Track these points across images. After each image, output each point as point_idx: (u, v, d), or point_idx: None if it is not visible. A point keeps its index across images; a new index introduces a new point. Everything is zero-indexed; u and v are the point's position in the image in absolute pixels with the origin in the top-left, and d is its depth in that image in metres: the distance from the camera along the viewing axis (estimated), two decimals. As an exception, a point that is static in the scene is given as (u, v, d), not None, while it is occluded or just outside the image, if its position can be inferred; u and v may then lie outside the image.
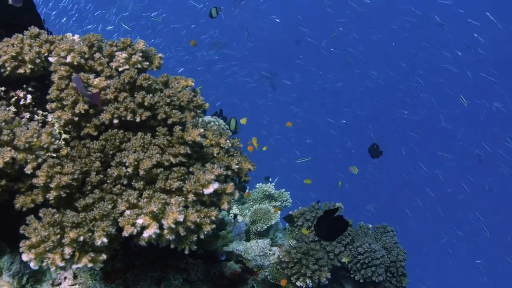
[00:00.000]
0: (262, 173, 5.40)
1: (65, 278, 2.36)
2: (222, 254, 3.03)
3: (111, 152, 2.15)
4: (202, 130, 2.22)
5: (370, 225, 4.28)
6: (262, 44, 21.59)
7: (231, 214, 4.27)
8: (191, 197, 2.00)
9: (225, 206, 2.11)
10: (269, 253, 3.84)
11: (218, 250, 3.02)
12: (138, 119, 2.18)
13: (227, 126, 4.23)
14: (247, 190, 4.39)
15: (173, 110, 2.26)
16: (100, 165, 2.14)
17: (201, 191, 2.01)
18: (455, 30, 18.85)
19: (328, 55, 19.75)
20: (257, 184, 4.46)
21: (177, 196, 1.98)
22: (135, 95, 2.19)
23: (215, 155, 2.38)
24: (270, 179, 4.96)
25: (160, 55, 2.55)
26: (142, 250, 2.46)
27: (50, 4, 16.23)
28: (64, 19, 17.06)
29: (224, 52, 19.43)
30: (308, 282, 3.49)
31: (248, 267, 3.66)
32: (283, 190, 4.49)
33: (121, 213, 1.98)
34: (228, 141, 2.46)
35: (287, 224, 4.13)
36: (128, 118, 2.16)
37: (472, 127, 19.40)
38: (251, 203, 4.40)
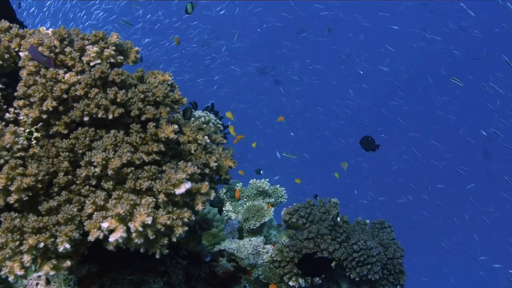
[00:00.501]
0: (264, 169, 5.30)
1: (37, 284, 2.25)
2: (207, 255, 2.91)
3: (80, 152, 2.04)
4: (176, 126, 2.10)
5: (368, 221, 4.15)
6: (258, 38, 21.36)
7: (224, 212, 4.16)
8: (161, 197, 1.88)
9: (199, 207, 1.99)
10: (263, 252, 3.72)
11: (203, 251, 2.91)
12: (110, 116, 2.06)
13: (218, 121, 4.11)
14: (237, 187, 4.27)
15: (148, 106, 2.13)
16: (69, 165, 2.02)
17: (172, 191, 1.89)
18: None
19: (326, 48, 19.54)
20: (251, 180, 4.34)
21: (147, 197, 1.87)
22: (108, 91, 2.07)
23: (192, 152, 2.26)
24: (262, 172, 4.84)
25: (136, 48, 2.42)
26: (119, 253, 2.35)
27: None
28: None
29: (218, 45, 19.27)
30: (301, 281, 3.38)
31: (240, 266, 3.54)
32: (278, 186, 4.36)
33: (89, 216, 1.87)
34: (206, 137, 2.34)
35: (282, 221, 4.01)
36: (100, 115, 2.04)
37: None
38: (245, 199, 4.27)
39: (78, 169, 1.99)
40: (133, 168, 1.96)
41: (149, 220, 1.75)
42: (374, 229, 4.04)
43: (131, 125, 2.09)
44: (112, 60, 2.23)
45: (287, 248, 3.47)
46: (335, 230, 3.71)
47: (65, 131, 2.09)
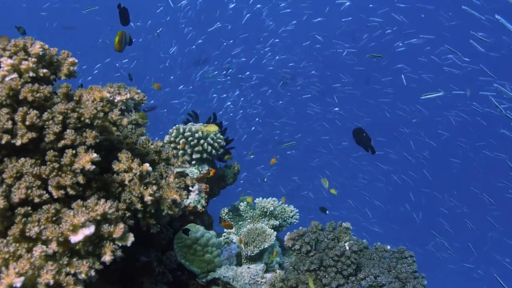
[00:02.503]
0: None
1: None
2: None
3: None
4: (95, 155, 1.71)
5: (388, 247, 3.60)
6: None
7: (225, 234, 3.75)
8: (53, 247, 1.50)
9: (106, 257, 1.59)
10: (261, 281, 3.28)
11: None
12: (18, 142, 1.71)
13: (219, 135, 3.71)
14: (240, 206, 3.83)
15: (68, 130, 1.77)
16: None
17: (68, 238, 1.51)
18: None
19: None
20: (256, 199, 3.90)
21: (21, 249, 1.49)
22: (17, 112, 1.73)
23: (126, 183, 1.87)
24: (266, 179, 4.38)
25: (71, 60, 2.06)
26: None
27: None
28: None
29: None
30: (294, 322, 2.91)
31: (235, 297, 3.14)
32: (286, 205, 3.90)
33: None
34: (147, 164, 1.95)
35: (286, 244, 3.54)
36: (3, 141, 1.70)
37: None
38: (249, 221, 3.85)
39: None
40: (29, 208, 1.59)
41: (18, 283, 1.37)
42: (393, 258, 3.49)
43: (47, 153, 1.74)
44: (31, 73, 1.87)
45: (281, 282, 3.01)
46: (342, 261, 3.20)
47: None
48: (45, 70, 1.92)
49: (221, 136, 3.77)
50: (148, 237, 2.13)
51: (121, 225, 1.62)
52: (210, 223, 3.81)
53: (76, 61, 2.06)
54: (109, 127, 1.94)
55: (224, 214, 3.87)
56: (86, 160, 1.68)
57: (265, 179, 4.68)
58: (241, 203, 3.88)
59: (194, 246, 3.23)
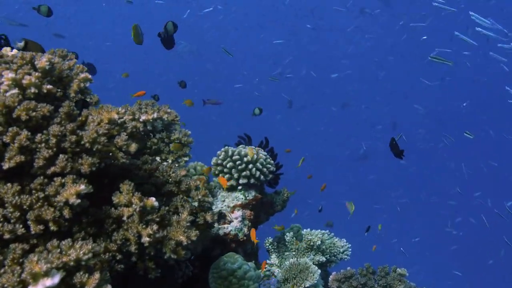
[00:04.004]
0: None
1: None
2: None
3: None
4: (83, 187, 1.46)
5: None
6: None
7: (266, 266, 3.41)
8: (8, 298, 1.25)
9: (76, 312, 1.31)
10: (299, 324, 2.92)
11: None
12: (5, 166, 1.50)
13: (269, 160, 3.39)
14: (286, 236, 3.45)
15: (61, 156, 1.53)
16: None
17: (28, 289, 1.26)
18: None
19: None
20: (304, 230, 3.52)
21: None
22: (6, 133, 1.52)
23: (124, 219, 1.60)
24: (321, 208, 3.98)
25: (84, 76, 1.84)
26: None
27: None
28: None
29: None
30: None
31: None
32: (337, 238, 3.48)
33: None
34: (153, 198, 1.67)
35: (330, 285, 3.15)
36: (-11, 164, 1.49)
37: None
38: (294, 253, 3.48)
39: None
40: (-3, 245, 1.36)
41: None
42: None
43: (34, 181, 1.51)
44: (33, 90, 1.66)
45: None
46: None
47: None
48: (49, 86, 1.70)
49: (271, 162, 3.45)
50: (162, 273, 1.85)
51: (97, 275, 1.34)
52: (254, 252, 3.49)
53: (90, 77, 1.84)
54: (115, 152, 1.69)
55: (268, 244, 3.54)
56: (71, 192, 1.43)
57: (320, 208, 4.31)
58: (287, 233, 3.53)
59: (230, 278, 2.92)
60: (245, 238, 3.20)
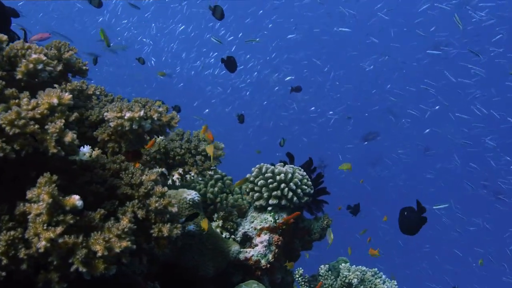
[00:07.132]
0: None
1: None
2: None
3: None
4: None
5: None
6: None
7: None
8: None
9: None
10: None
11: None
12: None
13: (307, 182, 2.93)
14: (322, 270, 2.93)
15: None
16: None
17: None
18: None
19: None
20: (342, 265, 2.96)
21: None
22: None
23: (29, 217, 1.28)
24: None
25: (36, 56, 1.57)
26: None
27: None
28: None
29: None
30: None
31: None
32: (379, 278, 2.87)
33: None
34: (77, 196, 1.33)
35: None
36: None
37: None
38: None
39: None
40: None
41: None
42: None
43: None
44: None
45: None
46: None
47: None
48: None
49: (309, 183, 2.98)
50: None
51: None
52: (286, 283, 3.01)
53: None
54: (48, 141, 1.39)
55: (298, 276, 3.03)
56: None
57: (369, 239, 3.69)
58: (322, 266, 3.00)
59: (243, 309, 2.50)
60: (267, 265, 2.75)
